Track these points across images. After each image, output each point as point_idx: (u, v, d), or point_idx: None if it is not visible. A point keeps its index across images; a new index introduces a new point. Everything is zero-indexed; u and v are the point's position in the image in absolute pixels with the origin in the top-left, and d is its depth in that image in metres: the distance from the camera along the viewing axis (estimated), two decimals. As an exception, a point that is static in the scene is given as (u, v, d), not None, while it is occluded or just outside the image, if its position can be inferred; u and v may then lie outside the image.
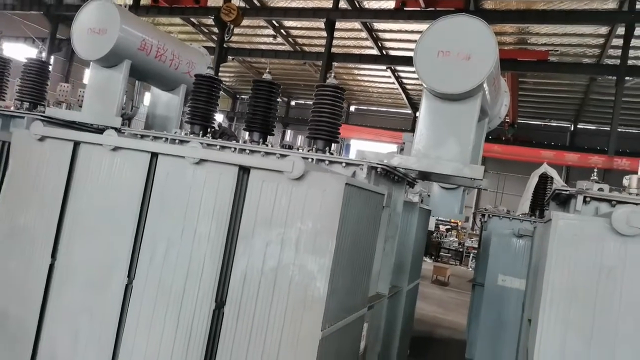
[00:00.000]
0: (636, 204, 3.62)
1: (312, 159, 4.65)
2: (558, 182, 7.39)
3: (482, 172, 4.44)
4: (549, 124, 29.58)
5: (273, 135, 5.17)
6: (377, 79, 27.02)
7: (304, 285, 3.30)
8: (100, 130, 5.22)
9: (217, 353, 3.46)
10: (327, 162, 4.64)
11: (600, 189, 4.22)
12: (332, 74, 5.13)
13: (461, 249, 25.35)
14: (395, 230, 5.29)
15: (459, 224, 28.57)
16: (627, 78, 18.43)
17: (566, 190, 3.83)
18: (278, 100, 5.24)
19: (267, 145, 4.94)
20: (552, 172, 7.36)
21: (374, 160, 4.56)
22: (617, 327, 2.64)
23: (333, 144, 5.03)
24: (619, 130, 20.97)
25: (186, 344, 3.56)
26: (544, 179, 7.41)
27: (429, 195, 8.74)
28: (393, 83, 26.55)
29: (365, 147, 12.82)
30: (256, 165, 3.55)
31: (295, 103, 33.82)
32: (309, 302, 3.27)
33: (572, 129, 29.05)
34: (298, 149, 5.04)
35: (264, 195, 3.48)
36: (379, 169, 4.54)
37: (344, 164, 4.59)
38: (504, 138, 26.27)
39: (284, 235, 3.41)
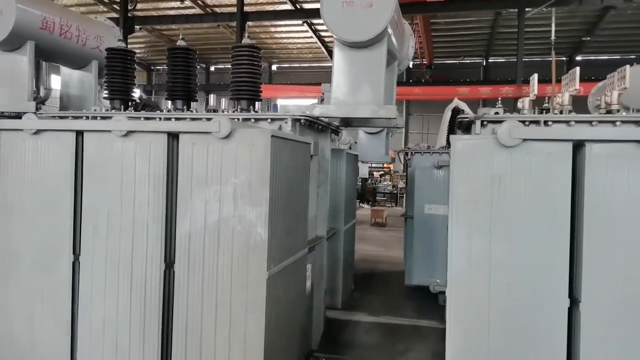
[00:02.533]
0: (523, 121, 4.18)
1: (238, 118, 4.85)
2: (469, 114, 8.02)
3: (395, 111, 4.85)
4: (463, 61, 30.95)
5: (196, 101, 5.27)
6: (295, 34, 26.82)
7: (246, 233, 3.60)
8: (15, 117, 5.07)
9: (174, 308, 3.72)
10: (252, 120, 4.85)
11: (496, 113, 4.78)
12: (247, 34, 5.26)
13: (395, 191, 26.63)
14: (325, 176, 5.66)
15: (392, 168, 29.80)
16: (527, 9, 19.62)
17: (466, 118, 4.32)
18: (197, 66, 5.31)
19: (192, 112, 5.06)
20: (463, 105, 7.96)
21: (296, 113, 4.83)
22: (510, 225, 3.18)
23: (257, 103, 5.23)
24: (525, 59, 22.45)
25: (142, 306, 3.78)
26: (456, 113, 8.02)
27: (355, 142, 9.20)
28: (311, 37, 26.50)
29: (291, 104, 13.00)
30: (184, 129, 3.72)
31: (215, 68, 32.94)
32: (253, 247, 3.58)
33: (485, 63, 30.60)
34: (223, 112, 5.20)
35: (197, 157, 3.68)
36: (302, 121, 4.83)
37: (269, 120, 4.82)
38: (423, 80, 27.31)
39: (221, 191, 3.65)
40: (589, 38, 24.09)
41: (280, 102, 27.09)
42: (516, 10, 19.40)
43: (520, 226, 3.16)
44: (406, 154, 8.69)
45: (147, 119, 4.89)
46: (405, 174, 27.95)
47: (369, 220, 17.59)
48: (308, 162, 4.74)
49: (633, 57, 25.03)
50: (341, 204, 6.62)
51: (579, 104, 4.78)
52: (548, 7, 18.17)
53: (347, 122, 5.89)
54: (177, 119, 4.86)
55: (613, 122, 4.03)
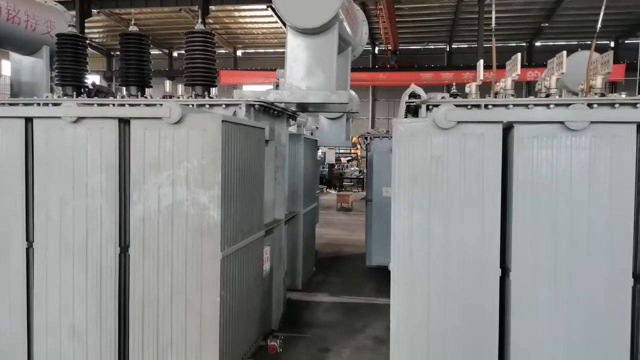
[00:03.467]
0: (465, 104, 4.40)
1: (193, 104, 4.91)
2: (433, 97, 8.23)
3: (347, 96, 5.00)
4: (427, 47, 31.36)
5: (151, 87, 5.29)
6: (259, 19, 26.56)
7: (200, 216, 3.70)
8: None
9: (130, 292, 3.80)
10: (207, 106, 4.92)
11: (443, 97, 4.99)
12: (199, 20, 5.29)
13: (362, 177, 26.99)
14: (283, 160, 5.78)
15: (359, 153, 30.12)
16: (487, -4, 20.05)
17: (413, 102, 4.52)
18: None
19: (146, 98, 5.08)
20: (419, 91, 8.15)
21: (251, 98, 4.92)
22: (447, 202, 3.38)
23: (213, 89, 5.29)
24: (486, 45, 22.95)
25: (98, 291, 3.84)
26: (413, 97, 8.23)
27: (317, 128, 9.34)
28: (276, 22, 26.31)
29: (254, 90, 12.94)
30: (135, 115, 3.77)
31: (178, 54, 32.34)
32: (206, 229, 3.68)
33: (448, 49, 31.11)
34: (179, 98, 5.24)
35: (148, 142, 3.74)
36: (256, 106, 4.92)
37: (224, 106, 4.90)
38: (388, 66, 27.59)
39: (173, 175, 3.73)
40: (547, 24, 24.75)
41: (246, 88, 26.92)
42: (476, -4, 19.76)
43: (456, 203, 3.37)
44: (365, 138, 8.89)
45: (100, 105, 4.90)
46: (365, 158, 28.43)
47: (335, 205, 17.83)
48: (263, 147, 4.85)
49: (589, 42, 25.99)
50: (300, 188, 6.77)
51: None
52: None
53: (304, 108, 6.02)
54: (131, 105, 4.89)
55: (547, 105, 4.31)
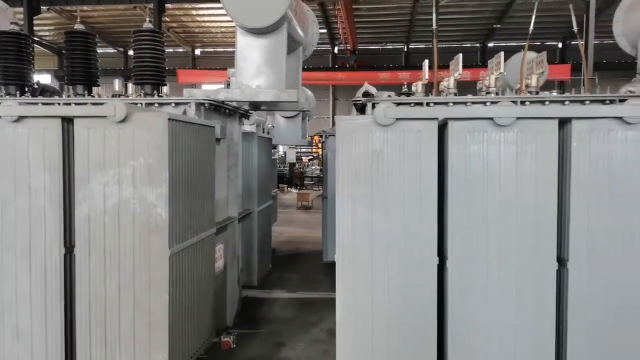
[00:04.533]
0: (408, 102, 4.59)
1: (142, 103, 4.89)
2: (378, 96, 8.44)
3: (298, 95, 5.09)
4: (386, 47, 31.88)
5: (98, 85, 5.23)
6: (218, 18, 26.26)
7: (147, 214, 3.71)
8: None
9: (76, 291, 3.77)
10: (156, 105, 4.92)
11: (389, 96, 5.17)
12: (148, 19, 5.27)
13: (322, 175, 27.20)
14: (235, 158, 5.83)
15: (320, 152, 30.30)
16: (442, -3, 20.58)
17: (359, 101, 4.66)
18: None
19: (93, 97, 5.02)
20: (372, 89, 8.37)
21: (201, 97, 4.95)
22: (388, 194, 3.54)
23: (164, 88, 5.29)
24: (442, 46, 23.53)
25: (43, 291, 3.80)
26: (367, 96, 8.43)
27: (273, 126, 9.40)
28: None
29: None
30: (78, 114, 3.74)
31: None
32: (154, 227, 3.70)
33: (406, 49, 31.73)
34: (128, 96, 5.21)
35: (93, 141, 3.72)
36: (206, 105, 4.96)
37: (173, 104, 4.91)
38: (348, 65, 27.88)
39: (119, 174, 3.72)
40: (499, 26, 25.63)
41: (205, 87, 26.62)
42: (431, -3, 20.25)
43: (396, 195, 3.53)
44: (321, 136, 9.02)
45: (45, 104, 4.81)
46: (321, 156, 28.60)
47: (295, 203, 17.92)
48: (213, 145, 4.89)
49: (538, 44, 27.10)
50: (254, 186, 6.82)
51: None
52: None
53: (256, 106, 6.08)
54: (77, 104, 4.82)
55: (484, 103, 4.55)
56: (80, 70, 5.02)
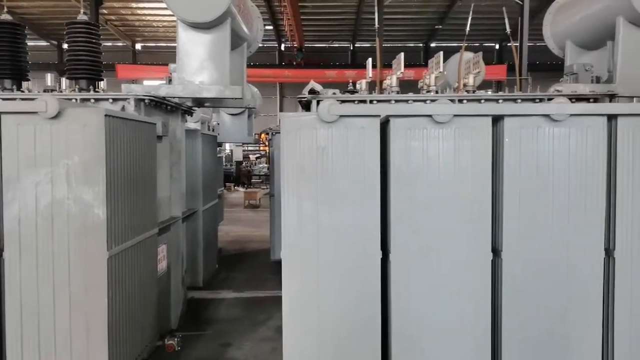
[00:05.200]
0: (353, 100, 4.66)
1: (76, 99, 4.67)
2: (324, 93, 8.49)
3: (241, 92, 5.05)
4: (332, 45, 32.14)
5: (28, 80, 4.95)
6: (159, 12, 25.45)
7: (83, 214, 3.56)
8: None
9: (6, 296, 3.56)
10: (92, 101, 4.71)
11: (334, 93, 5.22)
12: (82, 10, 5.03)
13: (270, 173, 27.07)
14: (178, 156, 5.69)
15: (267, 150, 30.13)
16: (386, -4, 20.98)
17: (304, 98, 4.68)
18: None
19: (23, 92, 4.74)
20: (317, 87, 8.41)
21: (140, 92, 4.79)
22: (332, 190, 3.58)
23: (101, 83, 5.07)
24: (387, 45, 24.03)
25: (-31, 299, 3.56)
26: (313, 94, 8.46)
27: (218, 124, 9.25)
28: (178, 16, 25.50)
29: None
30: (5, 110, 3.52)
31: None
32: (91, 228, 3.55)
33: (352, 48, 32.13)
34: (61, 91, 4.95)
35: (23, 139, 3.52)
36: (146, 101, 4.80)
37: (110, 100, 4.72)
38: (295, 63, 27.86)
39: (52, 172, 3.55)
40: (440, 26, 26.48)
41: (146, 83, 25.75)
42: (376, -3, 20.61)
43: (341, 191, 3.58)
44: (267, 134, 8.97)
45: (-32, 99, 4.49)
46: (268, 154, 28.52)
47: (243, 202, 17.73)
48: (154, 143, 4.75)
49: (477, 45, 28.25)
50: (199, 185, 6.69)
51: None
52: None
53: (199, 103, 5.95)
54: (5, 99, 4.53)
55: (424, 101, 4.69)
56: (8, 63, 4.72)
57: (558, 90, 4.73)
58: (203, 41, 5.00)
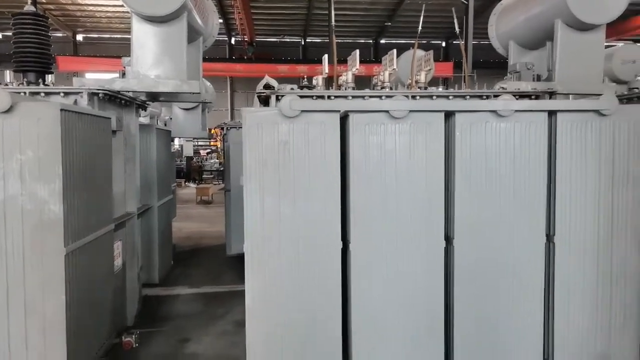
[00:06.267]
0: (311, 96, 4.76)
1: (25, 92, 4.50)
2: (281, 89, 8.53)
3: (199, 86, 5.02)
4: (283, 40, 32.04)
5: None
6: (102, 2, 24.51)
7: (39, 211, 3.47)
8: None
9: (-45, 299, 3.41)
10: (42, 94, 4.55)
11: (292, 89, 5.30)
12: (30, 0, 4.83)
13: (222, 169, 26.71)
14: (133, 151, 5.58)
15: (219, 145, 29.68)
16: (335, -7, 21.18)
17: (263, 93, 4.73)
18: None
19: (-35, 84, 4.50)
20: (273, 82, 8.44)
21: (93, 86, 4.67)
22: (294, 183, 3.67)
23: (49, 76, 4.90)
24: (338, 41, 24.20)
25: None
26: (268, 89, 8.49)
27: (170, 118, 9.09)
28: (122, 5, 24.49)
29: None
30: (-49, 103, 3.36)
31: (3, 36, 28.26)
32: (47, 224, 3.47)
33: (303, 43, 32.17)
34: (7, 85, 4.75)
35: (-30, 133, 3.38)
36: (100, 95, 4.69)
37: (62, 94, 4.59)
38: (246, 57, 27.57)
39: (4, 169, 3.43)
40: (390, 23, 27.01)
41: (89, 76, 24.69)
42: (327, -8, 20.77)
43: (303, 184, 3.67)
44: (222, 129, 8.91)
45: None
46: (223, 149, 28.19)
47: (194, 198, 17.46)
48: (109, 137, 4.66)
49: (424, 42, 29.03)
50: (154, 180, 6.59)
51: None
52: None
53: (154, 97, 5.86)
54: (-55, 92, 4.29)
55: (380, 97, 4.86)
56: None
57: (503, 88, 5.04)
58: (159, 34, 4.93)
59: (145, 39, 4.92)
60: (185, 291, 7.08)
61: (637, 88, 5.04)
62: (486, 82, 5.53)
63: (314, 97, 4.82)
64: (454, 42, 29.26)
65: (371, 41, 30.79)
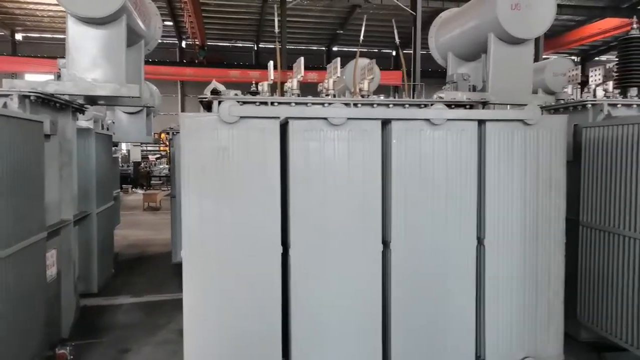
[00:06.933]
0: (254, 101, 4.76)
1: (-52, 93, 4.25)
2: (226, 94, 8.47)
3: (139, 90, 4.92)
4: (236, 44, 31.80)
5: None
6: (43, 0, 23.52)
7: (-41, 220, 3.28)
8: None
9: None
10: (-32, 96, 4.32)
11: (236, 94, 5.28)
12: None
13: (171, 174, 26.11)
14: (69, 157, 5.38)
15: (168, 151, 28.98)
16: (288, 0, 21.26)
17: (205, 98, 4.69)
18: None
19: None
20: (220, 87, 8.38)
21: (25, 88, 4.48)
22: (234, 189, 3.66)
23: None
24: (290, 47, 24.33)
25: None
26: (215, 94, 8.41)
27: (113, 122, 8.83)
28: (66, 5, 23.58)
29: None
30: None
31: None
32: (-32, 234, 3.29)
33: (256, 48, 32.06)
34: None
35: None
36: (32, 97, 4.50)
37: (-10, 96, 4.36)
38: (197, 61, 27.15)
39: None
40: (342, 31, 27.40)
41: (28, 77, 23.54)
42: (279, -2, 20.82)
43: (242, 189, 3.68)
44: (168, 133, 8.75)
45: None
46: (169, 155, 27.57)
47: (141, 205, 16.96)
48: (41, 142, 4.47)
49: (376, 51, 29.63)
50: (92, 186, 6.37)
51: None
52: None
53: (93, 100, 5.68)
54: None
55: (322, 104, 4.93)
56: None
57: (440, 97, 5.23)
58: (96, 37, 4.79)
59: (82, 41, 4.77)
60: (127, 300, 6.86)
61: (563, 99, 5.37)
62: (434, 92, 5.73)
63: (257, 104, 4.82)
64: (404, 51, 30.06)
65: (324, 48, 31.12)
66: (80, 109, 5.71)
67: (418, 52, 17.62)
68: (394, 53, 31.09)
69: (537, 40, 19.77)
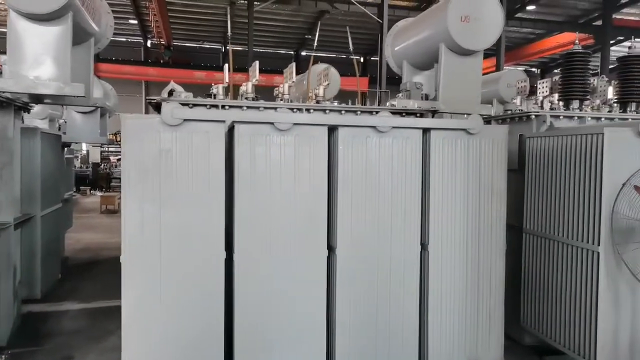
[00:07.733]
0: (205, 104, 4.71)
1: None
2: (180, 95, 8.33)
3: (85, 89, 4.78)
4: (203, 45, 31.40)
5: None
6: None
7: None
8: None
9: None
10: None
11: (187, 97, 5.20)
12: None
13: (134, 176, 25.42)
14: (10, 157, 5.16)
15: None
16: (256, 2, 21.17)
17: (154, 99, 4.60)
18: None
19: None
20: (178, 88, 8.23)
21: (-39, 85, 4.29)
22: (176, 192, 3.60)
23: None
24: (258, 50, 24.18)
25: None
26: (171, 94, 8.25)
27: (65, 122, 8.56)
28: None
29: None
30: None
31: None
32: None
33: (224, 50, 31.74)
34: None
35: None
36: (-32, 94, 4.31)
37: None
38: (162, 61, 26.66)
39: None
40: (310, 36, 27.44)
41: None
42: (246, 1, 20.71)
43: (185, 193, 3.62)
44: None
45: None
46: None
47: (99, 207, 16.49)
48: (-22, 141, 4.28)
49: (344, 56, 29.82)
50: (37, 188, 6.14)
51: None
52: (273, 3, 20.11)
53: (38, 99, 5.48)
54: None
55: (275, 108, 4.91)
56: None
57: (393, 105, 5.30)
58: (40, 33, 4.63)
59: (24, 37, 4.60)
60: (74, 306, 6.63)
61: (510, 110, 5.53)
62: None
63: (208, 106, 4.76)
64: (372, 57, 30.38)
65: (292, 52, 31.12)
66: (25, 108, 5.50)
67: (384, 59, 17.85)
68: (361, 59, 31.38)
69: (498, 51, 20.44)
